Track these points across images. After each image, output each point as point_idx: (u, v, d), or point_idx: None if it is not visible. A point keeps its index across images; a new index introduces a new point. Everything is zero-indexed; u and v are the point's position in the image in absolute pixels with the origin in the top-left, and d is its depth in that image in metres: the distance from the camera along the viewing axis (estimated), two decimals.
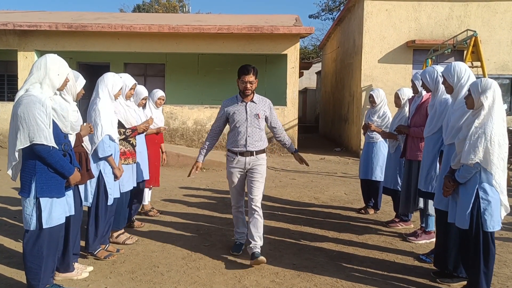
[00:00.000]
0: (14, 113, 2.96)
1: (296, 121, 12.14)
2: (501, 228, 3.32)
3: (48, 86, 3.05)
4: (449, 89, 3.62)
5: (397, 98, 5.25)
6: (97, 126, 3.86)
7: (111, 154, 3.95)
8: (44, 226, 3.03)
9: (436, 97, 4.07)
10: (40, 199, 3.00)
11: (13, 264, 3.86)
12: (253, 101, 4.06)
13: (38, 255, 3.06)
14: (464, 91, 3.47)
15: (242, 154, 4.04)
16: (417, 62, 11.75)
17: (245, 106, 4.04)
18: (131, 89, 4.43)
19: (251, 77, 3.92)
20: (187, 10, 39.48)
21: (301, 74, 19.92)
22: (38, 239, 3.05)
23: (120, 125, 4.29)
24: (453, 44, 9.12)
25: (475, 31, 8.15)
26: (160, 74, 14.83)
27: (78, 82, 3.61)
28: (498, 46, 11.68)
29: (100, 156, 3.88)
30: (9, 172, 3.10)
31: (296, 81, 12.22)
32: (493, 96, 3.13)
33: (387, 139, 5.38)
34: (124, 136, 4.33)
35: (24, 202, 3.03)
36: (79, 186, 3.54)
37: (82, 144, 3.62)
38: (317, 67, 23.96)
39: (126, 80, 4.46)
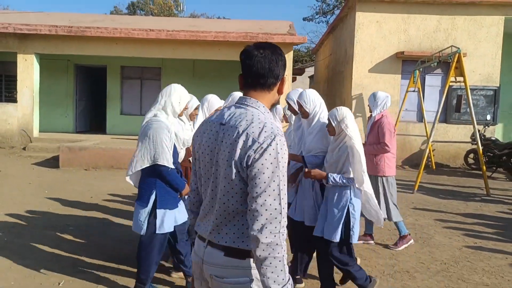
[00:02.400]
0: (143, 133, 3.42)
1: (286, 127, 12.52)
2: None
3: (171, 112, 3.49)
4: (305, 115, 3.89)
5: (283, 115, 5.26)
6: None
7: None
8: (157, 232, 3.46)
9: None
10: (157, 210, 3.44)
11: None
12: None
13: (150, 256, 3.52)
14: (317, 117, 3.82)
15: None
16: (406, 72, 12.19)
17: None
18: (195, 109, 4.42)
19: None
20: (181, 8, 39.73)
21: (294, 79, 20.32)
22: (150, 243, 3.51)
23: None
24: (438, 58, 9.56)
25: (458, 48, 8.58)
26: (156, 77, 15.15)
27: (191, 104, 4.06)
28: (483, 58, 12.15)
29: None
30: (129, 179, 3.58)
31: (288, 89, 12.59)
32: (350, 122, 3.54)
33: None
34: None
35: (141, 211, 3.46)
36: None
37: (190, 159, 4.03)
38: (309, 71, 24.37)
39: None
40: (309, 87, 25.10)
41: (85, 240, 5.08)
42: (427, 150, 9.23)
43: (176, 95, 3.51)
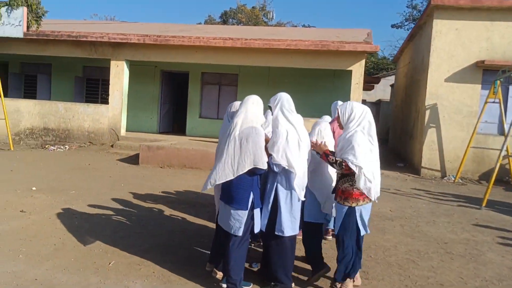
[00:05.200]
0: (239, 138, 3.68)
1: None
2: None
3: (260, 120, 3.85)
4: (341, 126, 4.12)
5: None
6: None
7: None
8: (256, 231, 3.82)
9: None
10: (254, 210, 3.77)
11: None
12: None
13: (241, 255, 3.81)
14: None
15: None
16: (487, 82, 11.53)
17: None
18: None
19: None
20: (270, 16, 40.69)
21: (371, 87, 20.01)
22: (242, 242, 3.79)
23: None
24: None
25: None
26: (233, 83, 15.85)
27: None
28: None
29: None
30: (209, 186, 3.78)
31: (359, 97, 12.53)
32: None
33: None
34: None
35: (239, 212, 3.71)
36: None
37: None
38: (391, 79, 23.79)
39: None
40: (390, 96, 24.47)
41: (142, 229, 5.66)
42: (498, 165, 8.72)
43: (261, 107, 3.89)
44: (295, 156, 3.80)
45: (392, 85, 24.06)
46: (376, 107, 25.34)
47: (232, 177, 3.70)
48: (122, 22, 19.03)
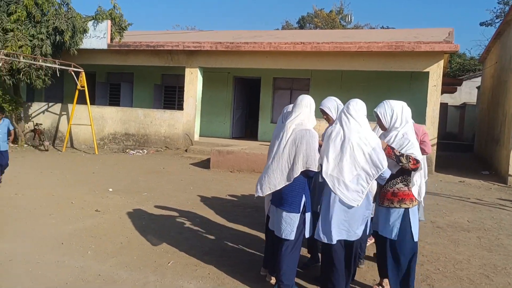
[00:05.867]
0: (292, 141, 3.69)
1: (436, 140, 11.77)
2: None
3: (312, 123, 3.87)
4: (383, 128, 3.96)
5: None
6: None
7: None
8: (307, 236, 3.76)
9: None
10: (306, 213, 3.72)
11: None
12: None
13: (294, 260, 3.75)
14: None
15: None
16: None
17: None
18: None
19: None
20: (349, 19, 39.97)
21: (454, 90, 18.83)
22: (295, 247, 3.73)
23: None
24: None
25: None
26: (305, 88, 15.72)
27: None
28: None
29: None
30: (267, 191, 3.78)
31: (437, 99, 11.83)
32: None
33: None
34: None
35: (291, 216, 3.67)
36: None
37: None
38: (477, 81, 22.19)
39: None
40: (476, 99, 22.91)
41: (205, 231, 5.76)
42: None
43: (314, 107, 3.84)
44: (331, 155, 3.62)
45: (478, 87, 22.51)
46: (461, 110, 23.81)
47: (288, 182, 3.65)
48: (198, 31, 19.73)
